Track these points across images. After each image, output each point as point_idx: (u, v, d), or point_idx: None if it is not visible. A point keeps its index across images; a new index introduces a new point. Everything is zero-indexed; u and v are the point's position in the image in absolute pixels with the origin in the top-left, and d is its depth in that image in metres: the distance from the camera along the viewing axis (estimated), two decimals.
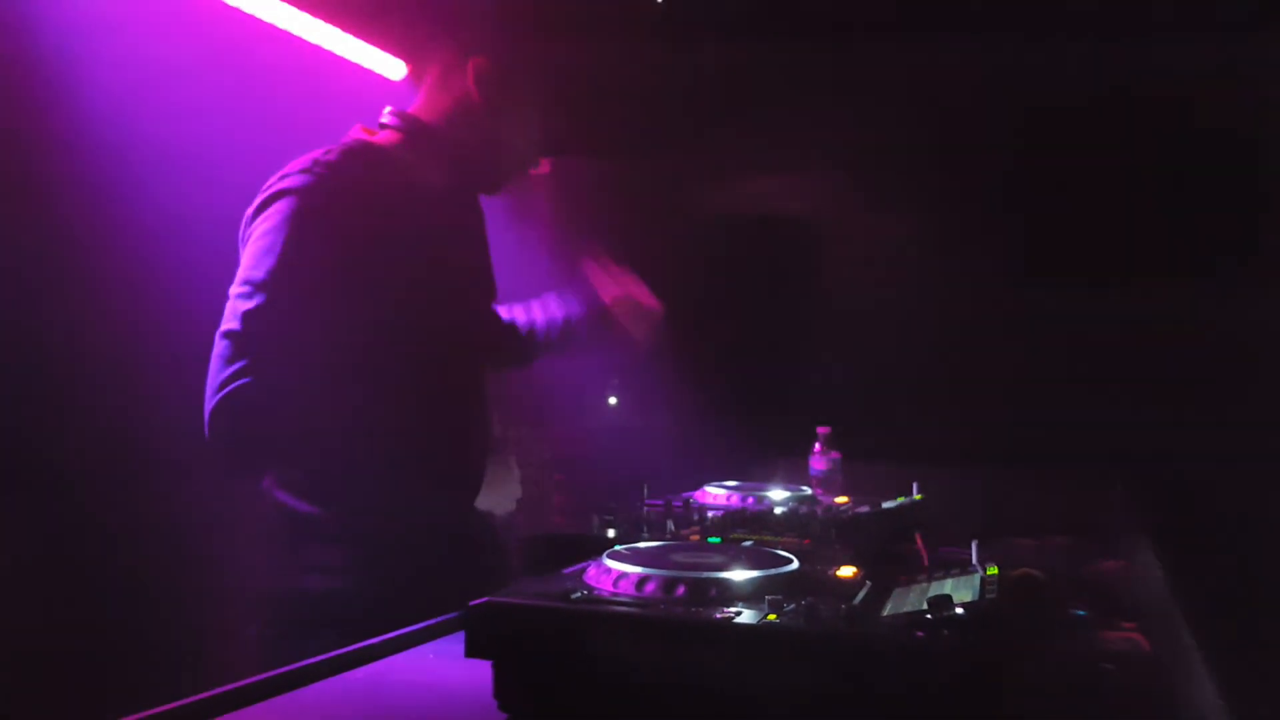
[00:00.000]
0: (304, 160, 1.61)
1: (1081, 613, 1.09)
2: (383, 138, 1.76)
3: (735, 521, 1.41)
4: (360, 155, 1.67)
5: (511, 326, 2.00)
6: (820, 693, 0.81)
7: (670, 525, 1.41)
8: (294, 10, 2.35)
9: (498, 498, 1.77)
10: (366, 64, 2.66)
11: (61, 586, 2.53)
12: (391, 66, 2.72)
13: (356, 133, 1.76)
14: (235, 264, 1.60)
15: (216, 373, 1.48)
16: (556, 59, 1.85)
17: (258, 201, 1.60)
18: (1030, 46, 2.67)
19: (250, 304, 1.49)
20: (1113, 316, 2.78)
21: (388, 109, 1.79)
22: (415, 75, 2.78)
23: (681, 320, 3.18)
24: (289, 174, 1.59)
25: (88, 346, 2.51)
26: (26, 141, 2.24)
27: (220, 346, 1.49)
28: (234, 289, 1.54)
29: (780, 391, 3.12)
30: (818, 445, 1.98)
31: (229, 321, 1.50)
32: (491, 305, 1.95)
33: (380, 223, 1.60)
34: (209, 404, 1.47)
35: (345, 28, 2.51)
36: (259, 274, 1.51)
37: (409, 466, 1.60)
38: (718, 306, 3.22)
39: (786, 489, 1.73)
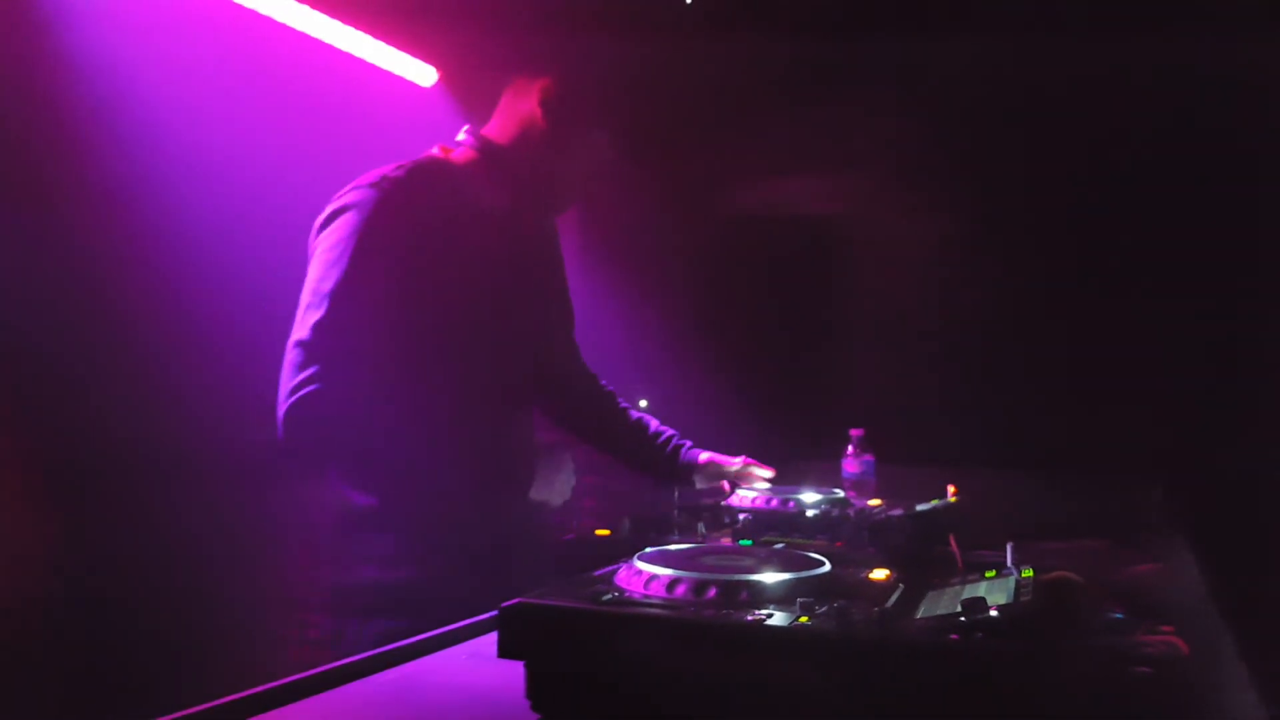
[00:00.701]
0: (373, 174, 1.69)
1: (1118, 615, 1.08)
2: (457, 155, 1.83)
3: (767, 524, 1.40)
4: (429, 172, 1.75)
5: (604, 392, 2.06)
6: (852, 696, 0.80)
7: (701, 528, 1.41)
8: (325, 17, 2.38)
9: (549, 494, 1.83)
10: (398, 71, 2.68)
11: (113, 584, 2.58)
12: (423, 73, 2.75)
13: (433, 150, 1.83)
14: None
15: (288, 379, 1.56)
16: (616, 80, 1.91)
17: (326, 213, 1.68)
18: (1077, 47, 2.64)
19: (318, 314, 1.58)
20: (1152, 319, 2.74)
21: (465, 128, 1.87)
22: (446, 83, 2.81)
23: (715, 322, 3.18)
24: (358, 187, 1.67)
25: (127, 347, 2.55)
26: (57, 145, 2.28)
27: (292, 355, 1.58)
28: (304, 299, 1.62)
29: (813, 394, 3.11)
30: (851, 448, 1.97)
31: (299, 330, 1.59)
32: (562, 327, 2.02)
33: (443, 237, 1.68)
34: (281, 408, 1.56)
35: (377, 34, 2.54)
36: (326, 285, 1.59)
37: (462, 464, 1.67)
38: (751, 308, 3.22)
39: (819, 491, 1.72)
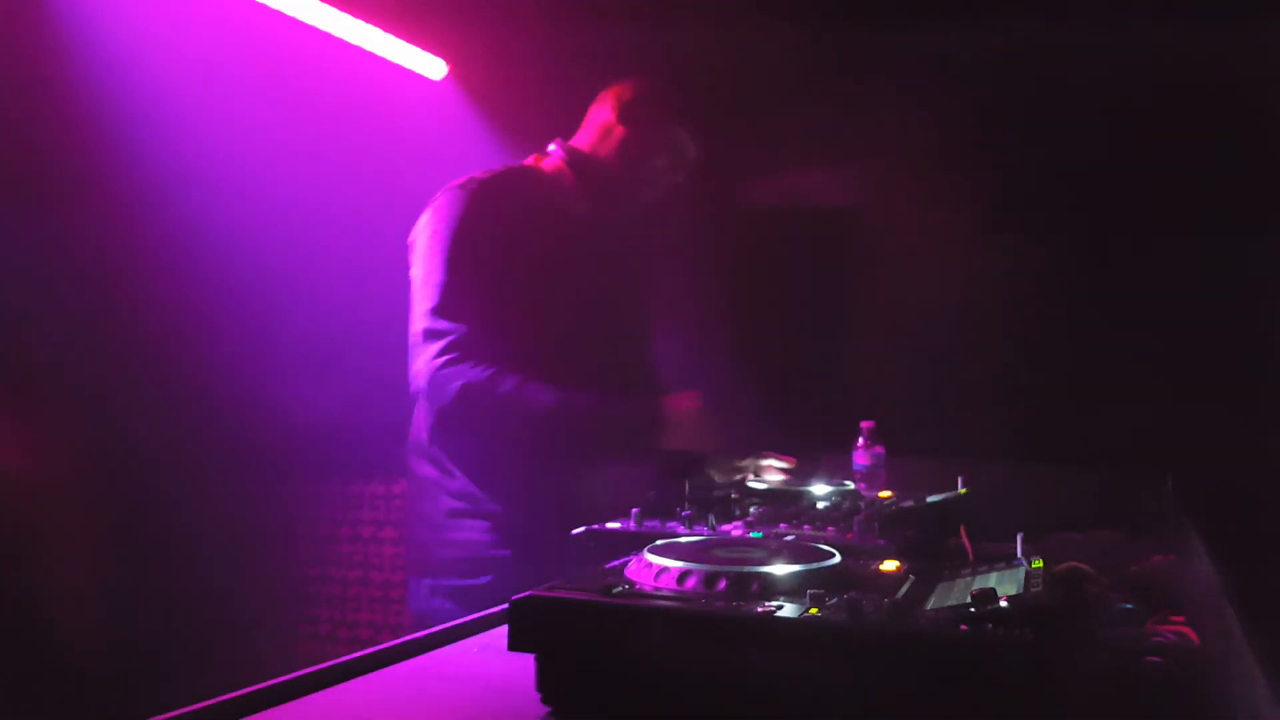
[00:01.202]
0: (462, 178, 1.85)
1: (1128, 606, 1.08)
2: (546, 164, 1.96)
3: (778, 516, 1.40)
4: (516, 177, 1.90)
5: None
6: (863, 687, 0.80)
7: (712, 519, 1.41)
8: (335, 11, 2.38)
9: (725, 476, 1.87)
10: (408, 64, 2.68)
11: (132, 580, 2.60)
12: (432, 66, 2.75)
13: (526, 160, 1.97)
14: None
15: (431, 358, 1.73)
16: (690, 82, 1.98)
17: (425, 215, 1.84)
18: (1094, 38, 2.62)
19: (433, 302, 1.75)
20: (1165, 311, 2.72)
21: (557, 139, 1.98)
22: (455, 76, 2.81)
23: (726, 313, 3.18)
24: (449, 189, 1.83)
25: (137, 343, 2.56)
26: (61, 141, 2.29)
27: (428, 341, 1.75)
28: (417, 291, 1.78)
29: (824, 386, 3.10)
30: (861, 440, 1.96)
31: (421, 320, 1.76)
32: (636, 328, 2.08)
33: (529, 237, 1.81)
34: (446, 385, 1.72)
35: (387, 28, 2.54)
36: (435, 277, 1.76)
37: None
38: (763, 299, 3.21)
39: (830, 483, 1.72)
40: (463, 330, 1.72)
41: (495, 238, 1.79)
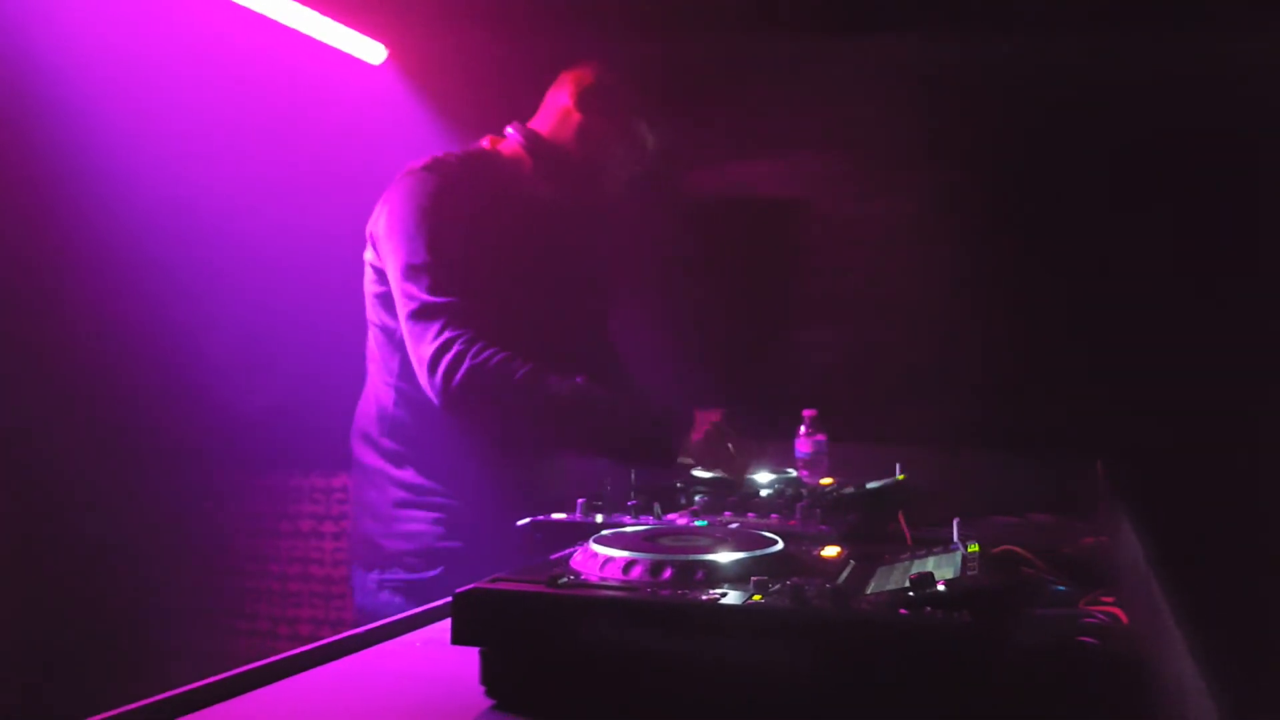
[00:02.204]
0: (424, 159, 1.80)
1: (1062, 588, 1.11)
2: (504, 147, 1.92)
3: (722, 504, 1.41)
4: (478, 161, 1.86)
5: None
6: (806, 671, 0.81)
7: (657, 509, 1.42)
8: None
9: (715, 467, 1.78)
10: (347, 49, 2.64)
11: (61, 578, 2.53)
12: (372, 51, 2.70)
13: (481, 142, 1.93)
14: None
15: (433, 343, 1.68)
16: (650, 71, 1.97)
17: (392, 200, 1.78)
18: (1035, 36, 2.68)
19: (423, 283, 1.71)
20: (1095, 301, 2.80)
21: (512, 122, 1.93)
22: (395, 60, 2.77)
23: (668, 302, 3.19)
24: (412, 172, 1.78)
25: (108, 340, 2.49)
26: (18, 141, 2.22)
27: (421, 322, 1.70)
28: (398, 275, 1.72)
29: (767, 374, 3.13)
30: (803, 428, 1.98)
31: (411, 301, 1.71)
32: (596, 316, 2.05)
33: (493, 222, 1.78)
34: (453, 369, 1.66)
35: (325, 11, 2.49)
36: (420, 258, 1.71)
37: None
38: (705, 289, 3.22)
39: (772, 471, 1.74)
40: (458, 304, 1.67)
41: (469, 219, 1.76)
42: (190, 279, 2.56)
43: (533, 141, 1.89)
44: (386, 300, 1.77)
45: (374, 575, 1.80)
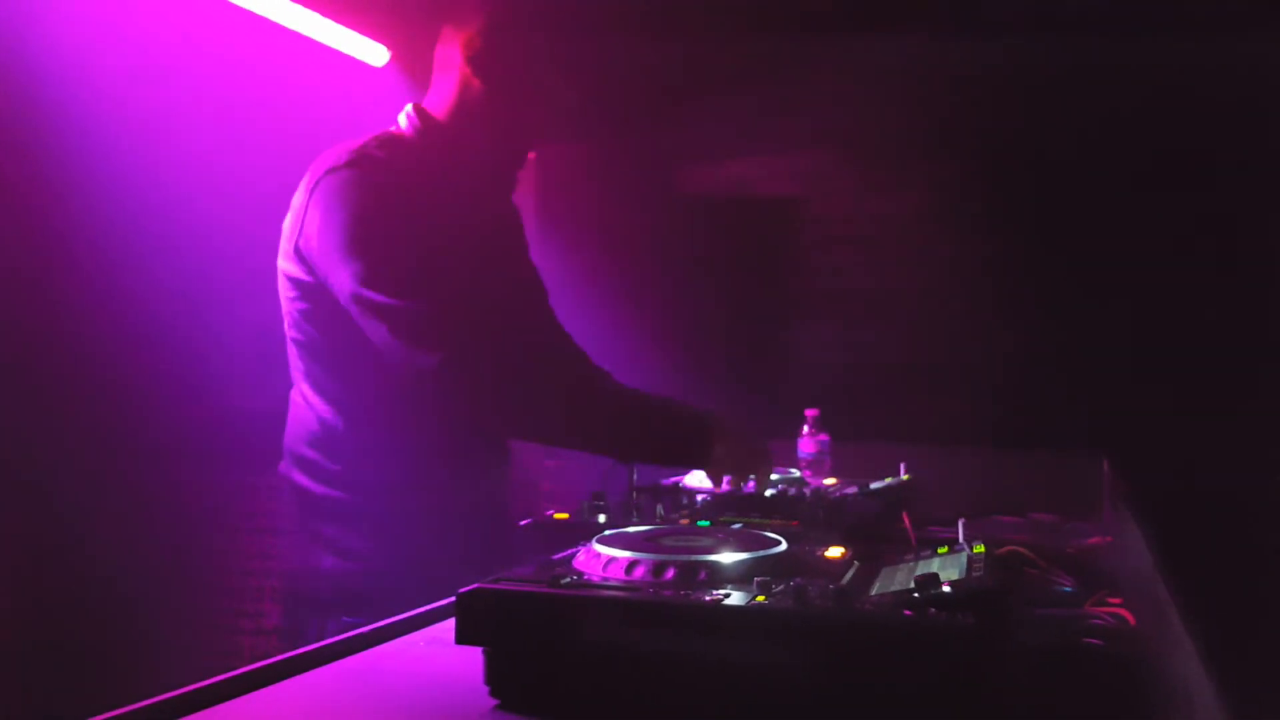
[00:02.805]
0: (341, 153, 1.60)
1: (1067, 589, 1.10)
2: (403, 132, 1.73)
3: (724, 505, 1.41)
4: (390, 146, 1.67)
5: (595, 369, 1.76)
6: (810, 673, 0.81)
7: (659, 509, 1.41)
8: None
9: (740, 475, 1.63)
10: (348, 51, 2.64)
11: (61, 578, 2.53)
12: (374, 53, 2.70)
13: (380, 129, 1.73)
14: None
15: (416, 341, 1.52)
16: (544, 31, 1.80)
17: (312, 191, 1.59)
18: (1034, 31, 2.67)
19: (398, 292, 1.52)
20: (1097, 296, 2.79)
21: (409, 105, 1.76)
22: (399, 62, 2.77)
23: (669, 302, 3.19)
24: (338, 170, 1.58)
25: (87, 342, 2.49)
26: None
27: (401, 317, 1.52)
28: (355, 283, 1.52)
29: (769, 374, 3.13)
30: (806, 427, 1.98)
31: (396, 305, 1.52)
32: (534, 297, 1.88)
33: (412, 211, 1.60)
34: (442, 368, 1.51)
35: (327, 14, 2.49)
36: (379, 267, 1.52)
37: (430, 447, 1.62)
38: (706, 288, 3.22)
39: (775, 471, 1.73)
40: (434, 307, 1.51)
41: (411, 214, 1.59)
42: (195, 280, 2.56)
43: (430, 124, 1.72)
44: (311, 315, 1.61)
45: (315, 624, 1.59)
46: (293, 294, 1.62)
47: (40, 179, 2.31)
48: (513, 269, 1.83)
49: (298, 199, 1.62)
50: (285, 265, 1.62)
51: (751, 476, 1.55)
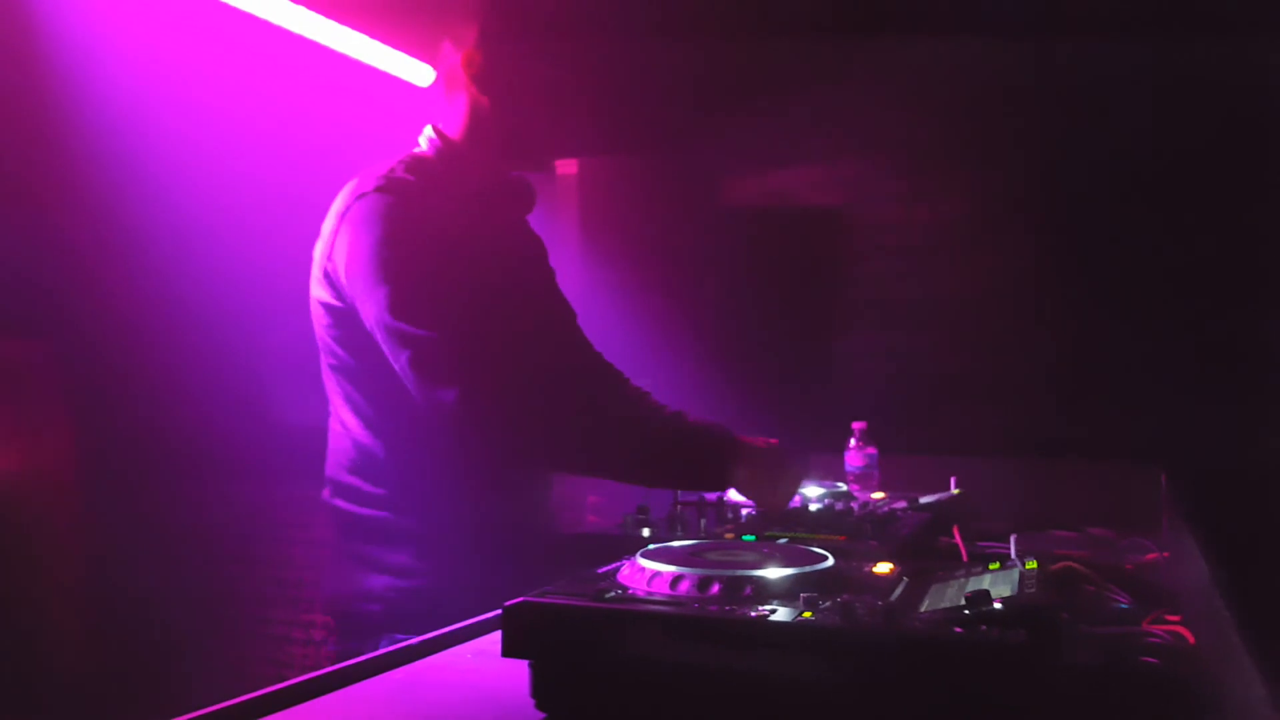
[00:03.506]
0: (372, 178, 1.60)
1: (1124, 606, 1.08)
2: (426, 154, 1.74)
3: (770, 519, 1.40)
4: (416, 169, 1.67)
5: (634, 390, 1.78)
6: (857, 691, 0.80)
7: (704, 523, 1.41)
8: (322, 19, 2.37)
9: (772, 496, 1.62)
10: (395, 72, 2.68)
11: (110, 592, 2.58)
12: (419, 73, 2.74)
13: (404, 150, 1.74)
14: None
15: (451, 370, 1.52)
16: (550, 45, 1.80)
17: (342, 216, 1.59)
18: (1083, 36, 2.63)
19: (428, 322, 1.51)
20: (1156, 305, 2.73)
21: (428, 127, 1.76)
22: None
23: (715, 314, 3.18)
24: (365, 194, 1.58)
25: (125, 348, 2.55)
26: (41, 148, 2.28)
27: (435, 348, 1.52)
28: (386, 312, 1.52)
29: (815, 386, 3.10)
30: (853, 440, 1.96)
31: (431, 335, 1.52)
32: (563, 320, 1.86)
33: (441, 236, 1.60)
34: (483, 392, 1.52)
35: (374, 35, 2.53)
36: (411, 296, 1.52)
37: (472, 465, 1.61)
38: (752, 299, 3.21)
39: (822, 485, 1.72)
40: (469, 336, 1.51)
41: (436, 241, 1.58)
42: (242, 295, 2.61)
43: (445, 145, 1.72)
44: (344, 340, 1.61)
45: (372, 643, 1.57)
46: (326, 320, 1.62)
47: (110, 197, 2.38)
48: (537, 296, 1.81)
49: (328, 224, 1.63)
50: (317, 291, 1.63)
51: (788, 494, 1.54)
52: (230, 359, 2.65)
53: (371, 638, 1.57)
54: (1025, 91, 2.84)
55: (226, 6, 2.19)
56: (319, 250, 1.63)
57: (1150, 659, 0.92)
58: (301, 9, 2.31)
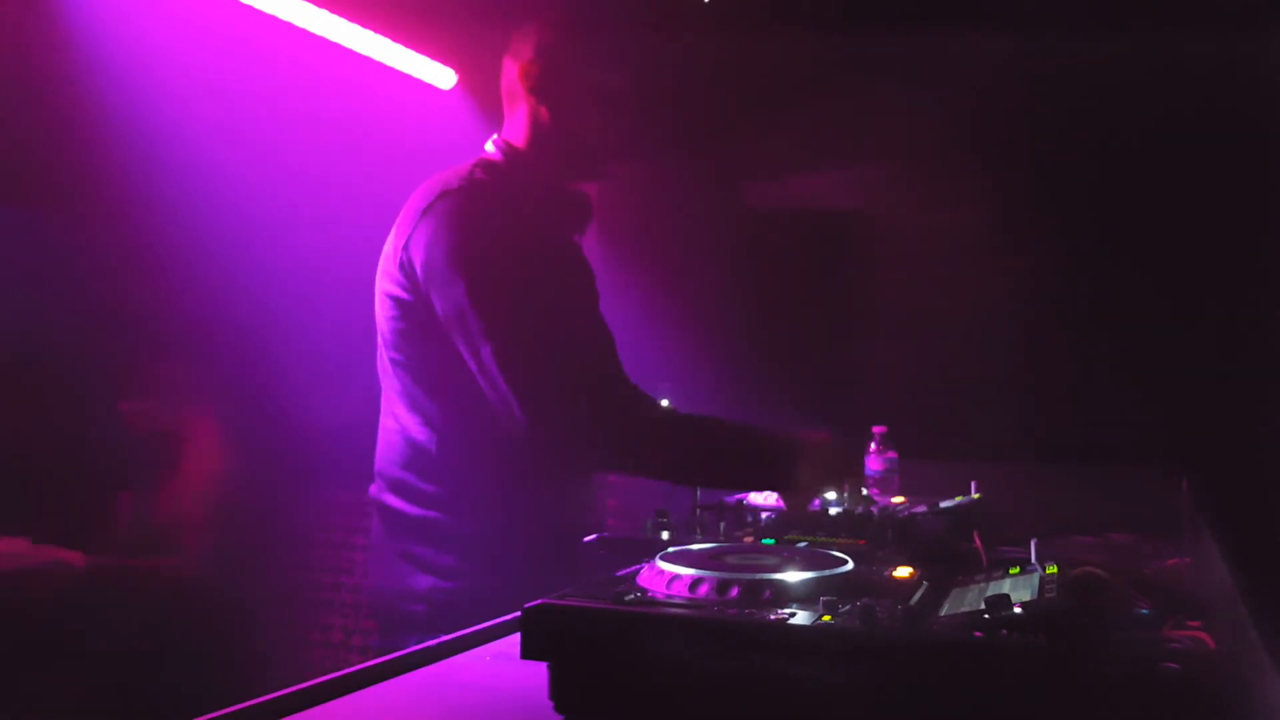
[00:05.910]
0: (456, 175, 1.66)
1: (1145, 611, 1.07)
2: (495, 158, 1.78)
3: (789, 523, 1.40)
4: (491, 171, 1.72)
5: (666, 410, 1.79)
6: (876, 695, 0.80)
7: (723, 527, 1.41)
8: (344, 22, 2.39)
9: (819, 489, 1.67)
10: (417, 74, 2.69)
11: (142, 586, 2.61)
12: (442, 76, 2.75)
13: (476, 157, 1.79)
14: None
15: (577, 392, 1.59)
16: (603, 47, 1.82)
17: (424, 213, 1.63)
18: (1101, 40, 2.62)
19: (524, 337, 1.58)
20: (1181, 311, 2.71)
21: (495, 135, 1.81)
22: (465, 85, 2.82)
23: (735, 317, 3.18)
24: (450, 189, 1.64)
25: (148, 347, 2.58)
26: (99, 156, 2.31)
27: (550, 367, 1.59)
28: (459, 293, 1.57)
29: (835, 390, 3.10)
30: (874, 444, 1.96)
31: (525, 355, 1.58)
32: (610, 344, 1.84)
33: (518, 236, 1.66)
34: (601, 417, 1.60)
35: (395, 38, 2.55)
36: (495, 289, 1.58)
37: (526, 465, 1.64)
38: (772, 303, 3.21)
39: (840, 489, 1.71)
40: (555, 331, 1.58)
41: (515, 240, 1.64)
42: (276, 299, 2.63)
43: (511, 153, 1.76)
44: (411, 335, 1.65)
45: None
46: (393, 313, 1.65)
47: (170, 207, 2.41)
48: (593, 312, 1.82)
49: (404, 220, 1.67)
50: (386, 285, 1.66)
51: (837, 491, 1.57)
52: (261, 364, 2.68)
53: (417, 637, 1.59)
54: (1046, 94, 2.82)
55: (246, 9, 2.22)
56: (392, 245, 1.67)
57: (1171, 664, 0.92)
58: (325, 12, 2.34)
